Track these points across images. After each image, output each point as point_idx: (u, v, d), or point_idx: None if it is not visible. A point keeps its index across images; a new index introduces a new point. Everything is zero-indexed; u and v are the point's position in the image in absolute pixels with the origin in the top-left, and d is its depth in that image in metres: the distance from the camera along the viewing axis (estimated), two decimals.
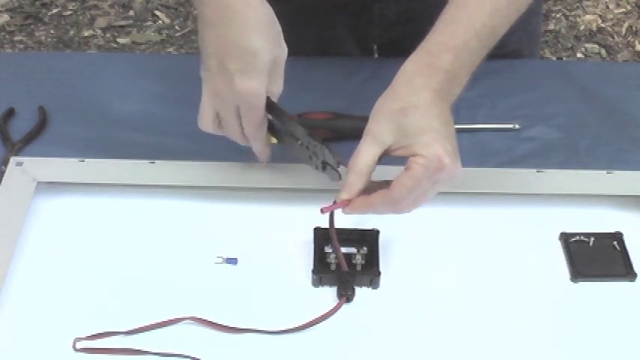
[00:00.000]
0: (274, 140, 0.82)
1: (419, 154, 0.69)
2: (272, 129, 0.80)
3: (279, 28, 0.75)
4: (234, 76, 0.72)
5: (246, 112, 0.74)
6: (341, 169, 0.74)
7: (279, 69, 0.75)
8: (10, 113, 0.96)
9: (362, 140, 0.71)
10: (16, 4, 2.43)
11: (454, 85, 0.74)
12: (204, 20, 0.74)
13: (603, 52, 2.33)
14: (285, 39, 0.94)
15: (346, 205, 0.72)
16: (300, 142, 0.77)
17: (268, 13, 0.74)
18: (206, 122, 0.77)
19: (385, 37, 1.10)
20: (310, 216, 0.78)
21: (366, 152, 0.71)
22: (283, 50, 0.75)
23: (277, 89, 0.76)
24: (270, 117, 0.78)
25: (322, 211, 0.72)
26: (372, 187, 0.72)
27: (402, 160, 0.71)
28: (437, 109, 0.71)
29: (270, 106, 0.75)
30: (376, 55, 1.15)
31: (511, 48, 1.04)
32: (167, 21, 2.38)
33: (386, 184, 0.71)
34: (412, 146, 0.70)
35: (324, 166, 0.76)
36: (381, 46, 1.15)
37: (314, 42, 1.08)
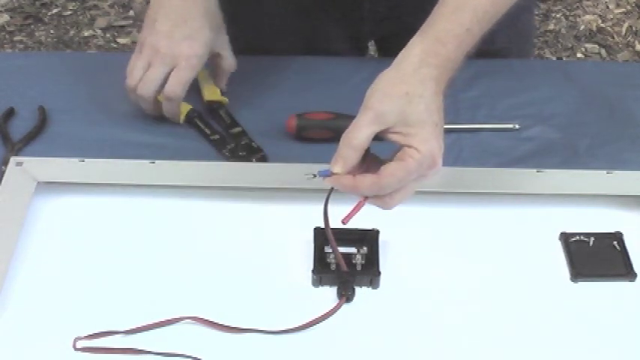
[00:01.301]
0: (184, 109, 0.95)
1: (415, 148, 0.69)
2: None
3: (221, 24, 0.94)
4: (184, 40, 0.89)
5: (182, 70, 0.89)
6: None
7: (225, 51, 0.95)
8: (10, 113, 0.96)
9: (361, 115, 0.70)
10: (16, 4, 2.43)
11: (452, 72, 0.74)
12: None
13: (603, 52, 2.33)
14: (276, 37, 1.04)
15: (331, 176, 0.71)
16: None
17: (216, 12, 0.93)
18: (134, 78, 0.90)
19: (377, 33, 1.10)
20: (310, 216, 0.78)
21: (366, 129, 0.70)
22: (221, 40, 0.94)
23: (229, 66, 0.96)
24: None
25: (320, 175, 0.73)
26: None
27: None
28: (438, 102, 0.71)
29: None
30: (373, 53, 1.15)
31: (499, 46, 1.04)
32: None
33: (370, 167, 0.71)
34: (410, 137, 0.69)
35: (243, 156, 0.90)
36: (377, 42, 1.15)
37: (306, 40, 1.08)
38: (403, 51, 0.74)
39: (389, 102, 0.70)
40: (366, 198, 0.72)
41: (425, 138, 0.70)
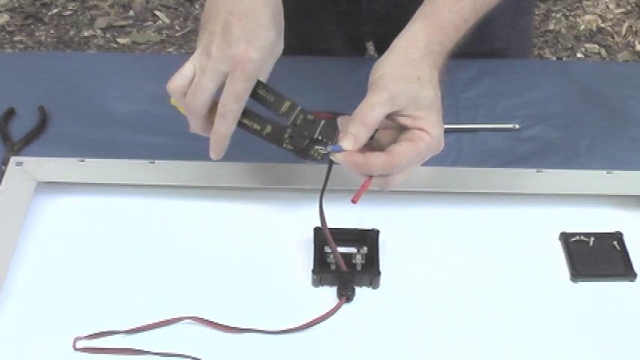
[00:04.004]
0: None
1: (427, 131, 0.71)
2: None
3: (283, 20, 0.75)
4: (239, 42, 0.71)
5: (236, 81, 0.71)
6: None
7: (273, 59, 0.75)
8: (10, 113, 0.96)
9: (375, 95, 0.70)
10: (16, 4, 2.43)
11: (446, 61, 0.75)
12: None
13: (603, 52, 2.34)
14: None
15: (342, 153, 0.71)
16: (290, 117, 0.75)
17: (280, 3, 0.75)
18: (178, 80, 0.72)
19: (375, 33, 1.10)
20: (310, 216, 0.78)
21: (380, 108, 0.70)
22: (282, 44, 0.75)
23: (263, 77, 0.75)
24: None
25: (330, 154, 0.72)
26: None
27: None
28: (440, 90, 0.73)
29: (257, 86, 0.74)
30: (372, 53, 1.15)
31: (499, 46, 1.05)
32: (167, 21, 2.38)
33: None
34: (421, 120, 0.71)
35: (308, 144, 0.74)
36: (376, 43, 1.15)
37: (304, 40, 1.09)
38: (406, 35, 0.74)
39: (403, 84, 0.71)
40: (371, 178, 0.72)
41: (435, 122, 0.71)
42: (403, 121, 0.71)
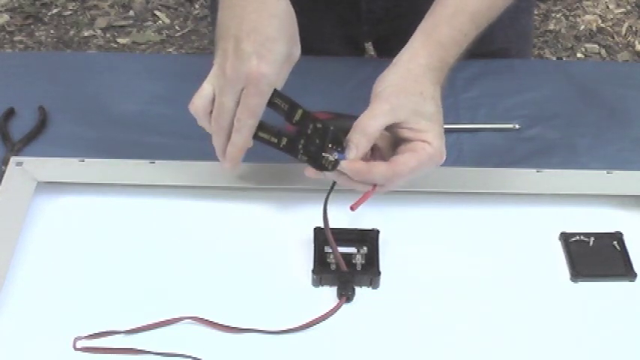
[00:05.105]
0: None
1: (429, 143, 0.72)
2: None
3: (297, 27, 0.75)
4: (250, 58, 0.70)
5: (250, 96, 0.71)
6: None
7: (288, 67, 0.75)
8: (10, 113, 0.96)
9: (377, 106, 0.72)
10: (16, 4, 2.43)
11: (446, 75, 0.77)
12: (226, 4, 0.74)
13: (603, 52, 2.34)
14: None
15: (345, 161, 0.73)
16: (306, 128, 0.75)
17: (290, 10, 0.75)
18: (198, 101, 0.73)
19: (374, 33, 1.10)
20: (310, 216, 0.78)
21: (381, 119, 0.71)
22: (298, 50, 0.75)
23: (279, 85, 0.75)
24: None
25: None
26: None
27: None
28: (441, 105, 0.74)
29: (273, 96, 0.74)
30: (372, 54, 1.15)
31: (499, 46, 1.05)
32: (167, 21, 2.38)
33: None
34: (423, 132, 0.72)
35: (319, 152, 0.74)
36: (375, 44, 1.15)
37: (303, 40, 1.08)
38: (408, 51, 0.75)
39: (405, 98, 0.72)
40: (374, 188, 0.73)
41: (437, 134, 0.72)
42: (405, 133, 0.72)
